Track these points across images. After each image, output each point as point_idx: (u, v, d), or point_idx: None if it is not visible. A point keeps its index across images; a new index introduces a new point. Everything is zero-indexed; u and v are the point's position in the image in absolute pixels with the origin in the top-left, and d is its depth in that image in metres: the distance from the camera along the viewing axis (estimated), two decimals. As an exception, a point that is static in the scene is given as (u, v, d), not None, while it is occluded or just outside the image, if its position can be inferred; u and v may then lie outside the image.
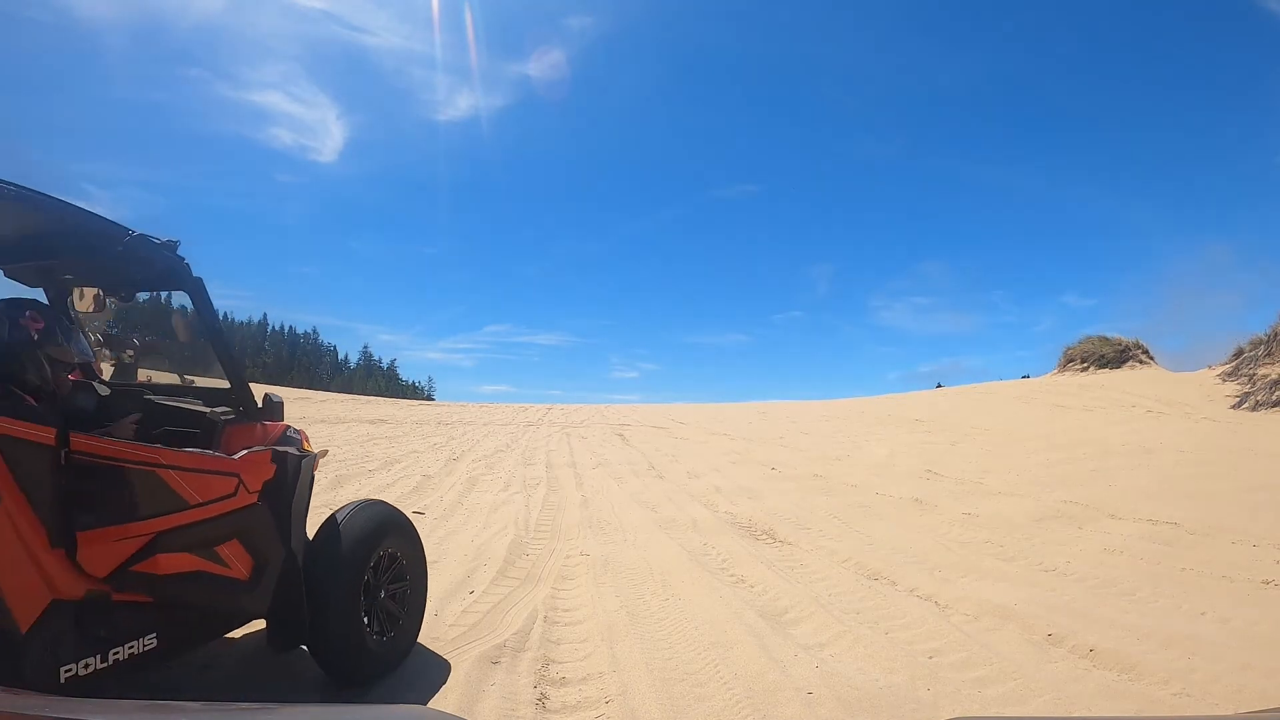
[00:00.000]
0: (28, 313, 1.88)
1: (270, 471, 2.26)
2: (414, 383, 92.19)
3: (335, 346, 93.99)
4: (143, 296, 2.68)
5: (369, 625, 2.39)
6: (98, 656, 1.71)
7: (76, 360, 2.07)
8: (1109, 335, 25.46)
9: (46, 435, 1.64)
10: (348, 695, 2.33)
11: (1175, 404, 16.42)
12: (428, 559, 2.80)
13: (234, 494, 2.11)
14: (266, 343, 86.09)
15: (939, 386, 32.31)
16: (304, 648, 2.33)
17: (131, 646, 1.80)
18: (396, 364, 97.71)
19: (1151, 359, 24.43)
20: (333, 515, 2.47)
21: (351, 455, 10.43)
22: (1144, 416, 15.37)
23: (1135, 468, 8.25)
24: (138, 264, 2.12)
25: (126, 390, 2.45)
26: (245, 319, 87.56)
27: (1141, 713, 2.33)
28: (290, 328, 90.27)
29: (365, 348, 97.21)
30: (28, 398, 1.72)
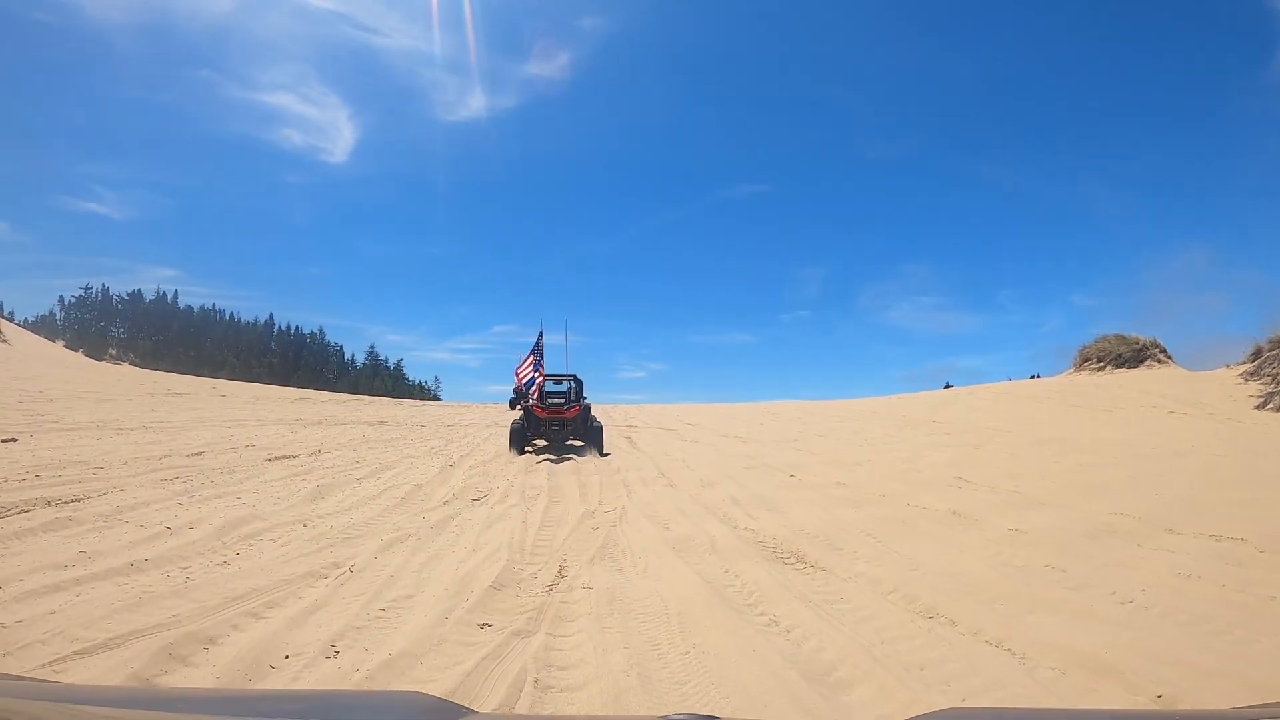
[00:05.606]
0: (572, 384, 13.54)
1: (588, 408, 13.36)
2: (420, 383, 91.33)
3: (341, 346, 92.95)
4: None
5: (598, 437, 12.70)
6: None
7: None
8: (1126, 334, 24.80)
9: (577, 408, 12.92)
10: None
11: (1197, 404, 15.80)
12: (405, 592, 3.80)
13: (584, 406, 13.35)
14: (273, 343, 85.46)
15: (947, 386, 31.77)
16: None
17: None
18: (403, 364, 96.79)
19: (1169, 358, 23.69)
20: (593, 416, 13.35)
21: (341, 461, 9.72)
22: (1167, 417, 14.75)
23: (1172, 473, 7.64)
24: (574, 380, 13.56)
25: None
26: (251, 319, 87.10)
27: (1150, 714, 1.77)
28: (296, 328, 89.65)
29: (371, 348, 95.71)
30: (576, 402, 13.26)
